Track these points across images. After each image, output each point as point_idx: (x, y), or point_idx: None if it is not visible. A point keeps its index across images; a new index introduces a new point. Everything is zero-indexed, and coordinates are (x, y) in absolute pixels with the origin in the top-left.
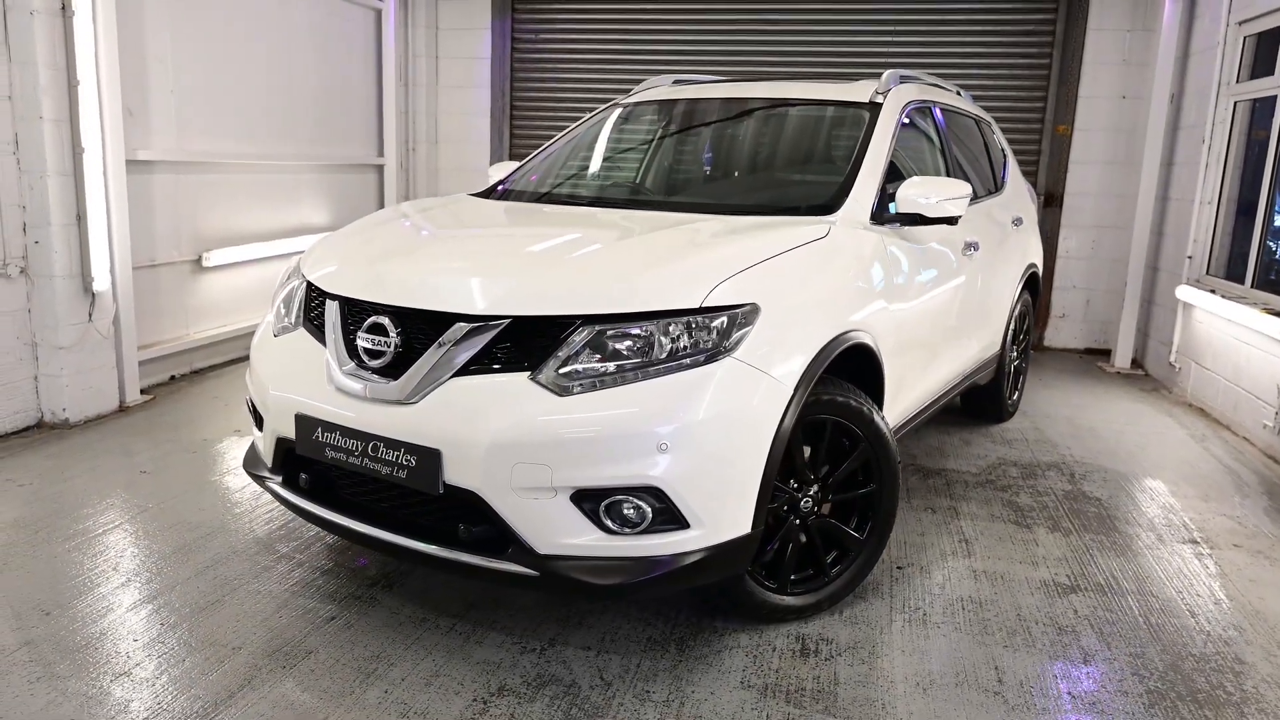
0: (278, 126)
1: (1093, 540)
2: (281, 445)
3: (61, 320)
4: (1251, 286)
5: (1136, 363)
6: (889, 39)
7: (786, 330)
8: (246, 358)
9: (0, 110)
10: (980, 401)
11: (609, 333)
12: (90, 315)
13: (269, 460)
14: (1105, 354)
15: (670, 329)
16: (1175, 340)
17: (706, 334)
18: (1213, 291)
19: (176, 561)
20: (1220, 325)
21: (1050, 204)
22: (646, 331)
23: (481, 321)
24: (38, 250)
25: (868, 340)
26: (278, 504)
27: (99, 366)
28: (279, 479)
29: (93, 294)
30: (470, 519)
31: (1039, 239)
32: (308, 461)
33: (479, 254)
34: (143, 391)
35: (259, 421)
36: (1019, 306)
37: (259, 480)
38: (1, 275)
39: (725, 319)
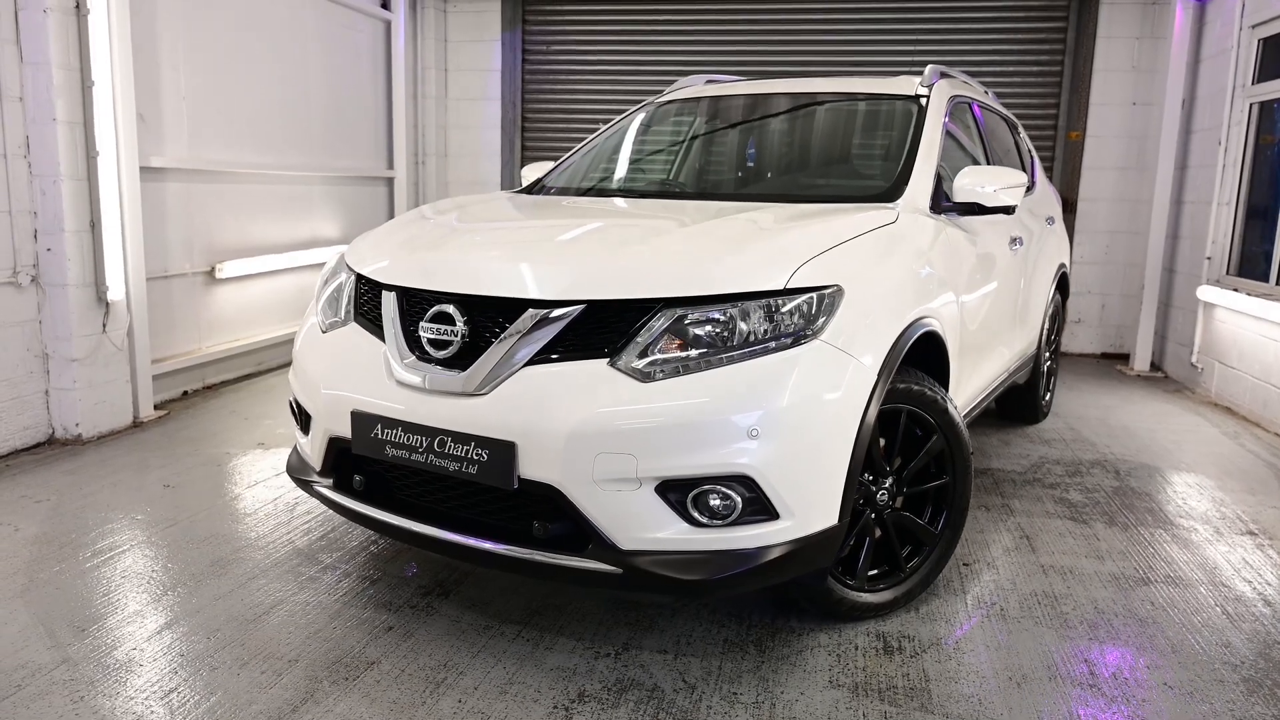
0: (288, 136)
1: (1151, 534)
2: (334, 446)
3: (75, 331)
4: (1275, 284)
5: (1155, 365)
6: (902, 44)
7: (868, 314)
8: (260, 373)
9: (11, 112)
10: (1015, 402)
11: (690, 316)
12: (104, 326)
13: (317, 463)
14: (1123, 358)
15: (754, 311)
16: (1196, 341)
17: (792, 316)
18: (1235, 290)
19: (214, 575)
20: (1247, 324)
21: (1065, 210)
22: (728, 315)
23: (554, 307)
24: (50, 258)
25: (937, 328)
26: (316, 514)
27: (112, 380)
28: (329, 482)
29: (106, 304)
30: (546, 515)
31: (1067, 240)
32: (364, 462)
33: (544, 241)
34: (156, 407)
35: (305, 424)
36: (1051, 306)
37: (305, 485)
38: (11, 284)
39: (810, 300)
